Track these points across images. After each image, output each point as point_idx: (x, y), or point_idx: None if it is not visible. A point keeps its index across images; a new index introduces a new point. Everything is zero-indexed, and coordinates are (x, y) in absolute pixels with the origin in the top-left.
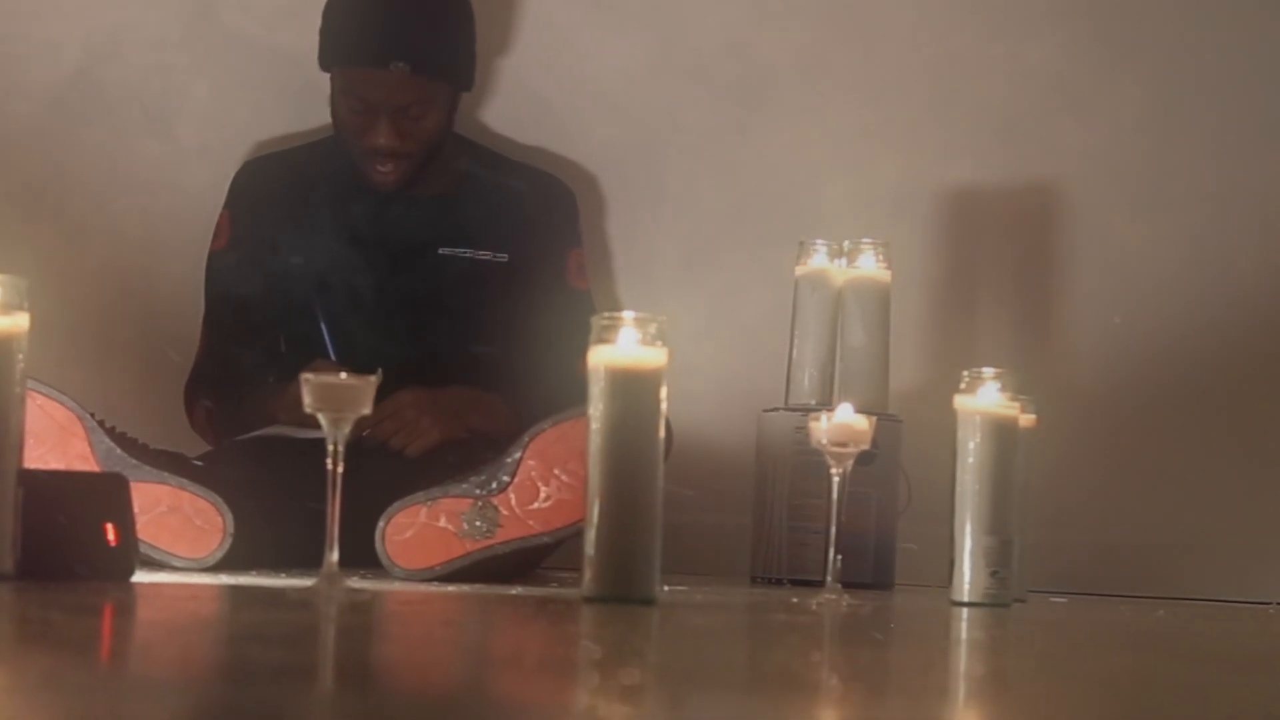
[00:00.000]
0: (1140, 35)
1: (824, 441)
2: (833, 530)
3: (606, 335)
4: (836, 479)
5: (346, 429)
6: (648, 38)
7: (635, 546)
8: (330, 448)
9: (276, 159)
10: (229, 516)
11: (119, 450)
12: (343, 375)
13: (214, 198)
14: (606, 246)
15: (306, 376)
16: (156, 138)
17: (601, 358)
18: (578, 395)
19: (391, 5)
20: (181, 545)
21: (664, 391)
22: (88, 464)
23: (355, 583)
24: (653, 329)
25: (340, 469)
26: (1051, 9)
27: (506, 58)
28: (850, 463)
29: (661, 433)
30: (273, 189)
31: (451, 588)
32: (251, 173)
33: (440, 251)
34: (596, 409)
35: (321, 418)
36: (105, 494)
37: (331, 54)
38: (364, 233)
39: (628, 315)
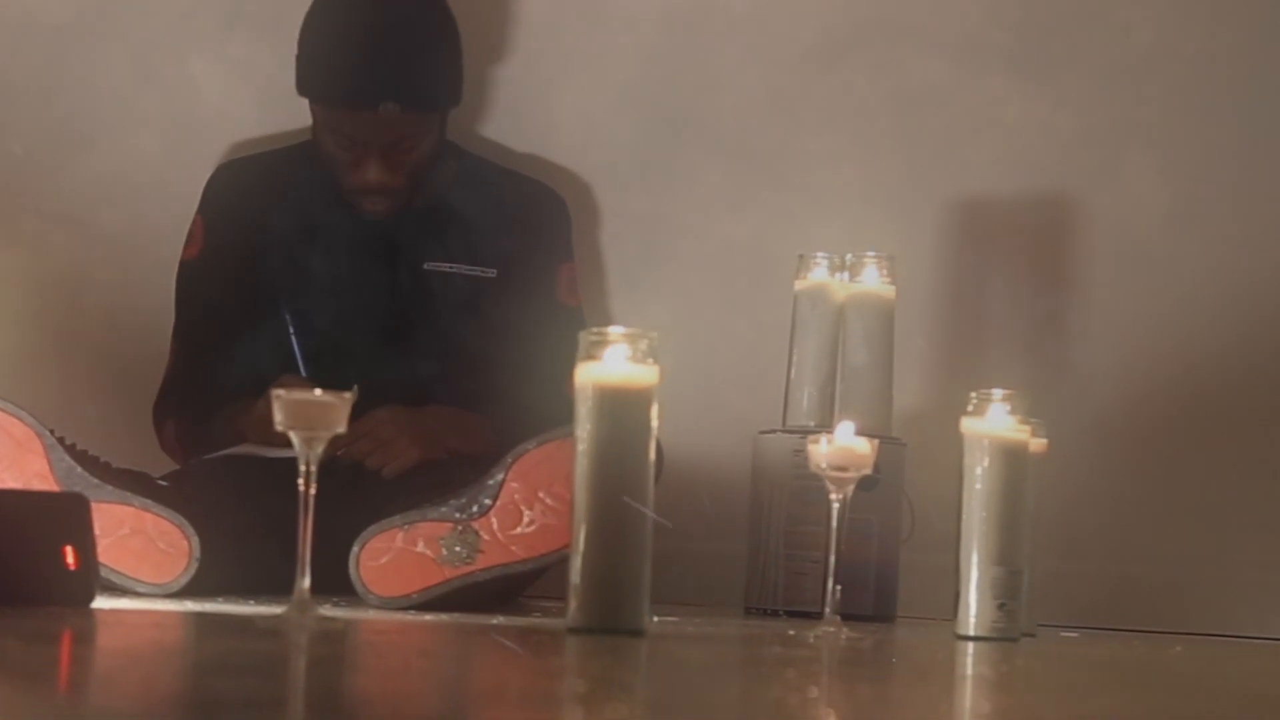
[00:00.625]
0: (1159, 38)
1: (823, 465)
2: (831, 559)
3: (595, 352)
4: (836, 505)
5: (320, 448)
6: (647, 42)
7: (623, 574)
8: (302, 468)
9: (255, 162)
10: (195, 540)
11: (80, 469)
12: (317, 392)
13: (187, 202)
14: (600, 260)
15: (278, 393)
16: (127, 135)
17: (589, 375)
18: (566, 416)
19: (379, 43)
20: (145, 569)
21: (655, 411)
22: (46, 483)
23: (327, 610)
24: (644, 345)
25: (313, 490)
26: None
27: (498, 64)
28: (851, 488)
29: (652, 455)
30: (250, 194)
31: (429, 616)
32: (227, 176)
33: (425, 266)
34: (584, 429)
35: (294, 436)
36: (64, 515)
37: (313, 88)
38: (345, 243)
39: (617, 331)
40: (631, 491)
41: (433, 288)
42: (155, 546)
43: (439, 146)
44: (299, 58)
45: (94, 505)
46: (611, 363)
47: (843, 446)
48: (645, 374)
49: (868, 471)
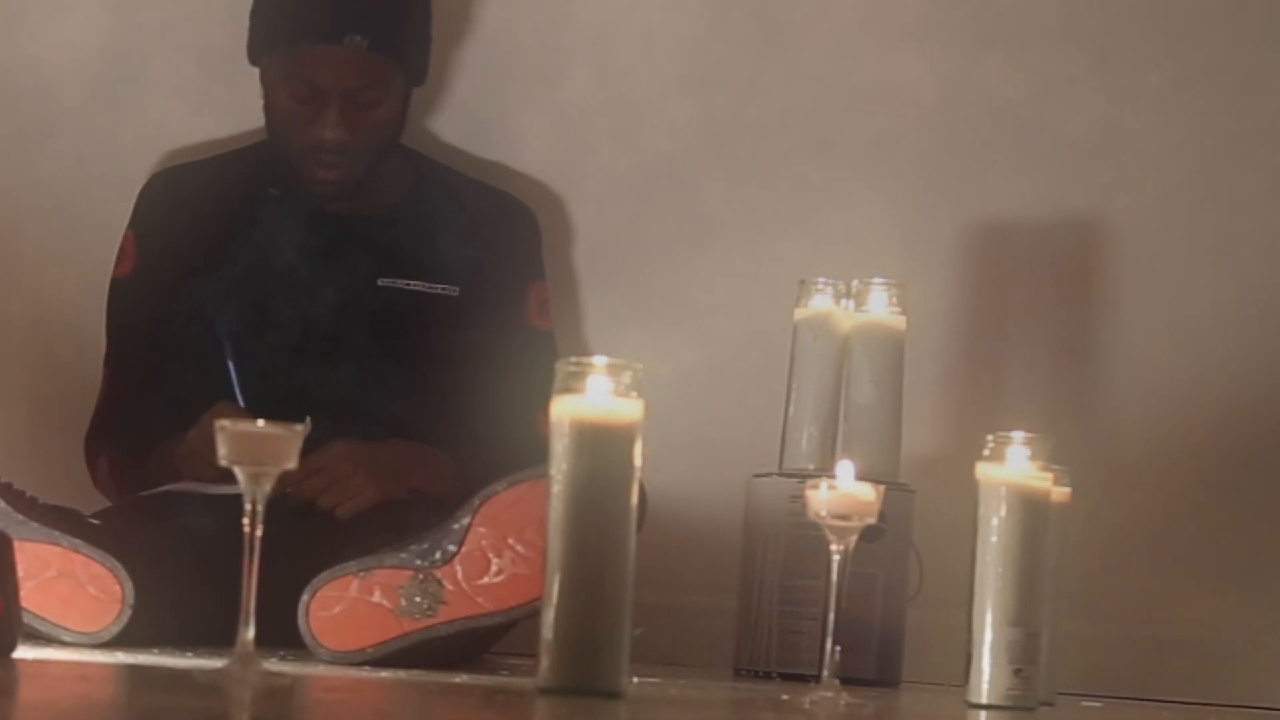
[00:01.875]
0: (1191, 61)
1: (823, 513)
2: (831, 617)
3: (573, 383)
4: (837, 557)
5: (268, 485)
6: (629, 40)
7: (601, 630)
8: (248, 506)
9: (190, 170)
10: (128, 585)
11: (2, 503)
12: (260, 423)
13: (117, 214)
14: (573, 280)
15: (222, 423)
16: (51, 141)
17: (567, 409)
18: (537, 453)
19: None
20: (73, 617)
21: (639, 450)
22: None
23: (273, 665)
24: (627, 378)
25: (259, 531)
26: None
27: (461, 50)
28: (853, 539)
29: (635, 498)
30: (185, 205)
31: (385, 673)
32: (161, 185)
33: (380, 282)
34: (559, 469)
35: (238, 471)
36: None
37: (271, 35)
38: (291, 257)
39: (598, 361)
40: (612, 538)
41: (388, 306)
42: (85, 591)
43: (400, 124)
44: (254, 13)
45: (17, 544)
46: (592, 396)
47: (845, 492)
48: (628, 409)
49: (872, 521)
